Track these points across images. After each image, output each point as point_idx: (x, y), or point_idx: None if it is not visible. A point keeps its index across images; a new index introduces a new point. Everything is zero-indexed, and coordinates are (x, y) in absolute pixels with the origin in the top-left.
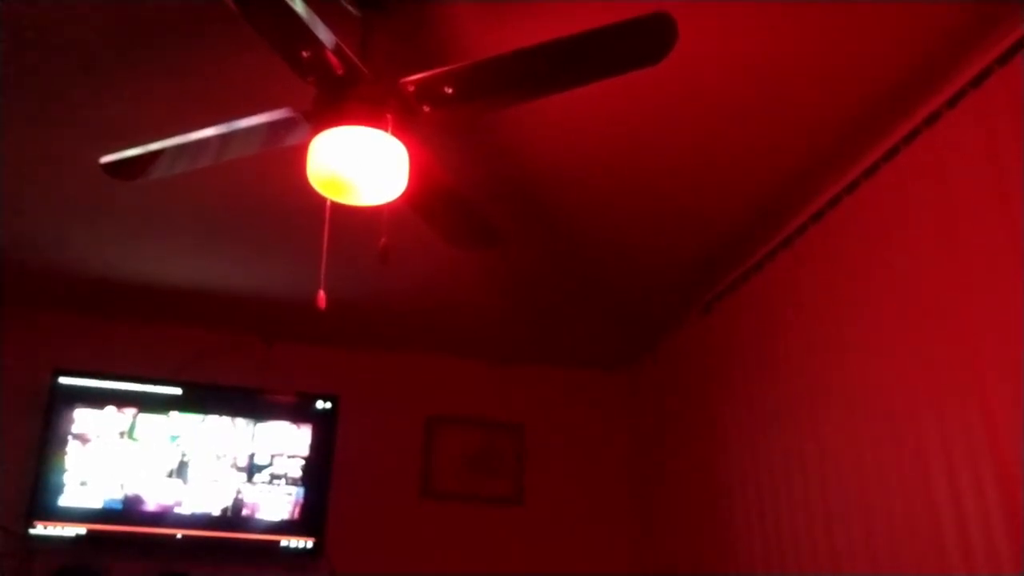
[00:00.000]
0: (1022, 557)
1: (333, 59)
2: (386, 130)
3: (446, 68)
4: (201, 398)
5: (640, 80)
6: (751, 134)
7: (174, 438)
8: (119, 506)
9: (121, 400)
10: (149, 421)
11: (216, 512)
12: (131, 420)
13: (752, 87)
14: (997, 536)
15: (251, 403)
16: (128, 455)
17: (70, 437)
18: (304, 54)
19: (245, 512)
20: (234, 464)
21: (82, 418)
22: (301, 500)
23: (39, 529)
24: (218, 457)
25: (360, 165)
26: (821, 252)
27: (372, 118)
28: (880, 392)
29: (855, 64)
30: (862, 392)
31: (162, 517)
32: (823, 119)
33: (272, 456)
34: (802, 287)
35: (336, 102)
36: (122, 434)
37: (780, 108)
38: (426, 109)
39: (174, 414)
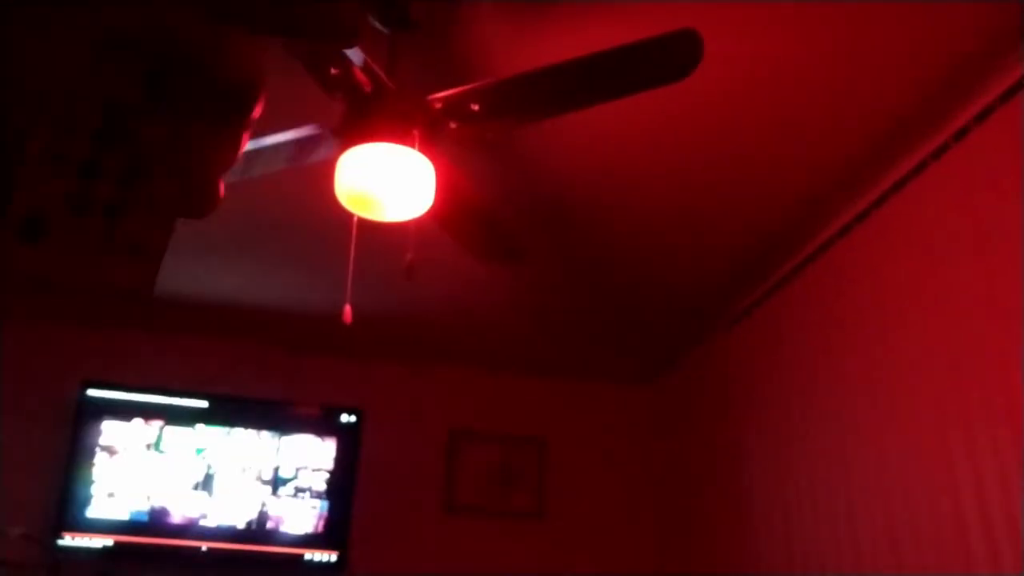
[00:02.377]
0: None
1: (361, 76)
2: (413, 146)
3: (472, 85)
4: (227, 411)
5: (663, 96)
6: (777, 151)
7: (200, 451)
8: (145, 518)
9: (148, 412)
10: (175, 433)
11: (241, 525)
12: (158, 432)
13: (775, 104)
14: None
15: (276, 416)
16: (154, 467)
17: (98, 449)
18: (332, 72)
19: (270, 525)
20: (259, 477)
21: (109, 430)
22: (325, 513)
23: (67, 540)
24: (243, 470)
25: (387, 181)
26: (845, 269)
27: (399, 135)
28: (905, 407)
29: (885, 77)
30: (887, 408)
31: (187, 529)
32: (848, 136)
33: (297, 469)
34: (826, 303)
35: (364, 119)
36: (149, 446)
37: (803, 125)
38: (453, 126)
39: (200, 426)
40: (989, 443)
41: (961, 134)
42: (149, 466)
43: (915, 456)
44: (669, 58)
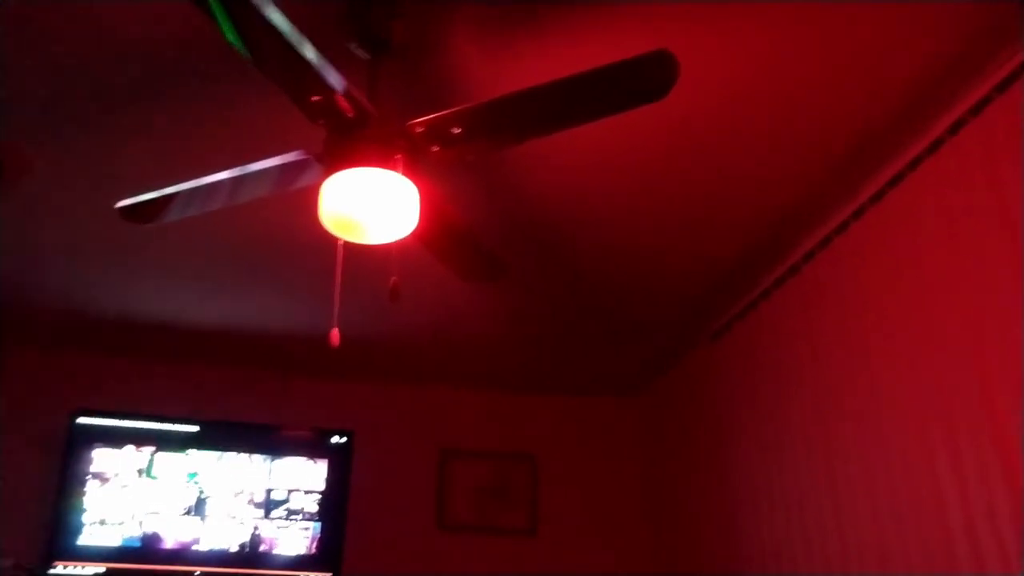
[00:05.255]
0: None
1: (343, 103)
2: (396, 170)
3: (454, 109)
4: (218, 435)
5: (643, 112)
6: (757, 162)
7: (192, 475)
8: (138, 544)
9: (139, 439)
10: (167, 459)
11: (234, 548)
12: (149, 458)
13: (756, 116)
14: (1008, 543)
15: (267, 439)
16: (146, 493)
17: (88, 476)
18: (315, 99)
19: (263, 548)
20: (251, 500)
21: (100, 457)
22: (318, 535)
23: (59, 569)
24: (235, 494)
25: (371, 205)
26: (828, 279)
27: (382, 159)
28: (890, 412)
29: (861, 91)
30: (872, 413)
31: (180, 555)
32: (828, 145)
33: (289, 492)
34: (809, 313)
35: (346, 144)
36: (140, 472)
37: (784, 137)
38: (435, 149)
39: (191, 451)
40: (971, 450)
41: (935, 146)
42: (141, 492)
43: (898, 463)
44: (645, 79)
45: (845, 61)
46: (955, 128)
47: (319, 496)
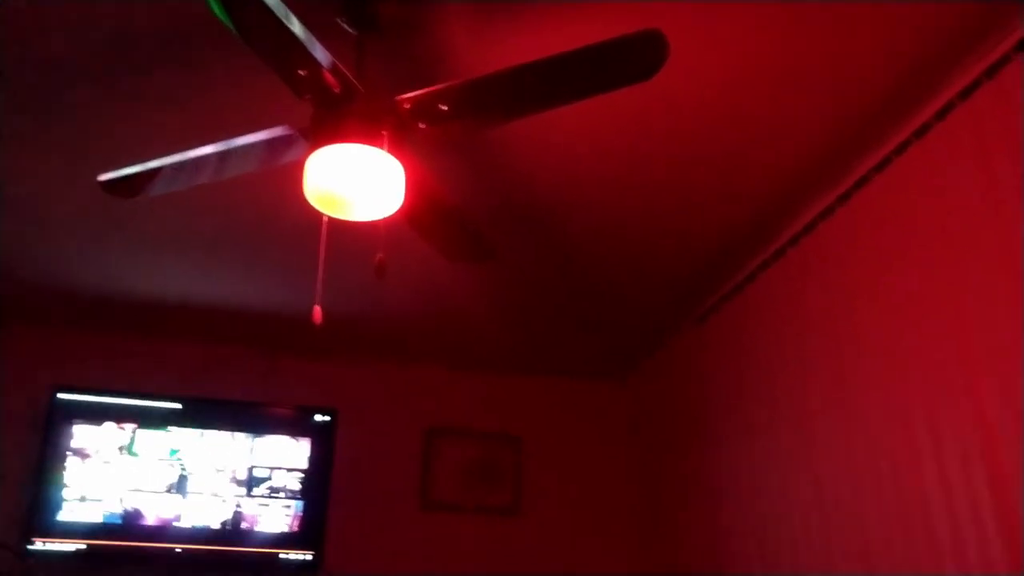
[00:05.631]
0: (1016, 557)
1: (329, 78)
2: (382, 147)
3: (441, 86)
4: (200, 413)
5: (632, 94)
6: (743, 145)
7: (173, 452)
8: (119, 521)
9: (120, 415)
10: (148, 436)
11: (215, 526)
12: (130, 435)
13: (744, 100)
14: (990, 537)
15: (250, 417)
16: (127, 470)
17: (69, 453)
18: (301, 73)
19: (244, 526)
20: (233, 478)
21: (81, 434)
22: (300, 513)
23: (38, 545)
24: (217, 471)
25: (356, 181)
26: (814, 262)
27: (368, 135)
28: (872, 398)
29: (846, 75)
30: (854, 398)
31: (162, 532)
32: (815, 131)
33: (271, 470)
34: (795, 297)
35: (332, 120)
36: (121, 449)
37: (771, 120)
38: (422, 126)
39: (173, 429)
40: (953, 431)
41: (922, 131)
42: (122, 469)
43: (882, 445)
44: (634, 58)
45: (833, 46)
46: (943, 113)
47: (301, 474)
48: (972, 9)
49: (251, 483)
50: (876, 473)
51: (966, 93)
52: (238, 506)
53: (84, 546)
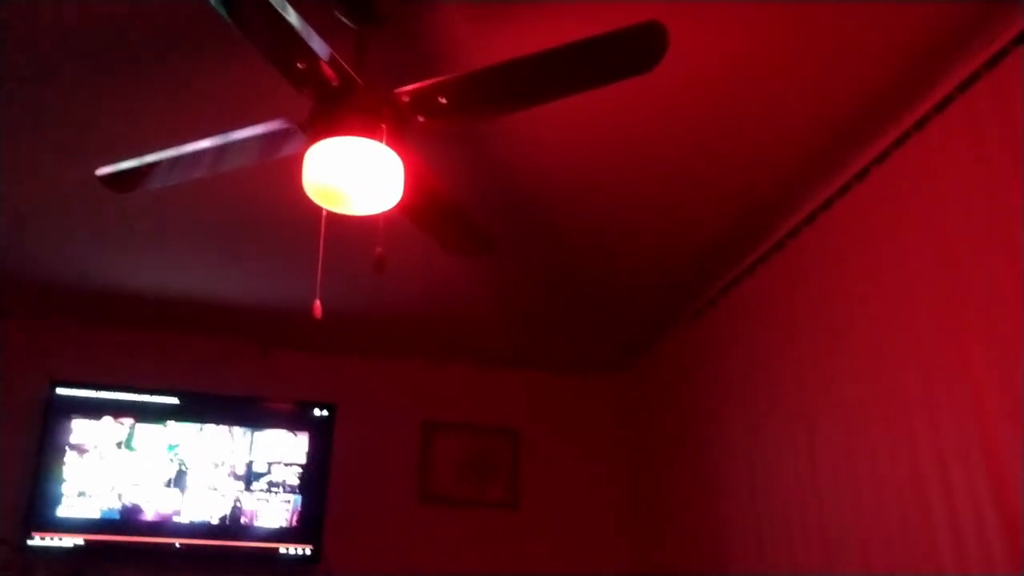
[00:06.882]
0: (1016, 557)
1: (328, 71)
2: (381, 140)
3: (440, 79)
4: (199, 407)
5: (630, 88)
6: (742, 139)
7: (172, 447)
8: (117, 516)
9: (118, 410)
10: (147, 431)
11: (214, 521)
12: (128, 430)
13: (742, 93)
14: (991, 538)
15: (249, 412)
16: (126, 465)
17: (67, 448)
18: (299, 66)
19: (243, 520)
20: (232, 473)
21: (79, 429)
22: (299, 507)
23: (37, 540)
24: (216, 466)
25: (355, 175)
26: (812, 256)
27: (367, 128)
28: (873, 394)
29: (845, 69)
30: (854, 394)
31: (160, 526)
32: (814, 124)
33: (270, 464)
34: (794, 291)
35: (331, 113)
36: (120, 444)
37: (770, 114)
38: (420, 119)
39: (172, 423)
40: (954, 429)
41: (921, 124)
42: (120, 464)
43: (883, 441)
44: (634, 50)
45: (832, 40)
46: (941, 106)
47: (300, 469)
48: (971, 2)
49: (250, 478)
50: (876, 469)
51: (965, 86)
52: (237, 501)
53: (83, 541)
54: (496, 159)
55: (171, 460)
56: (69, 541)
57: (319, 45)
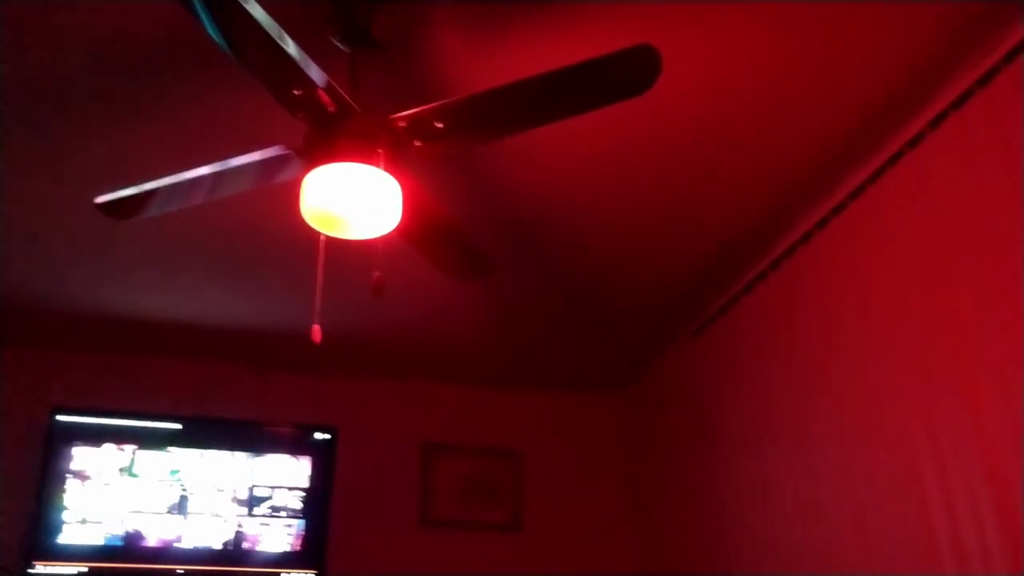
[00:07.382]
0: (1016, 557)
1: (324, 97)
2: (378, 165)
3: (436, 103)
4: (200, 432)
5: (625, 109)
6: (737, 160)
7: (174, 473)
8: (120, 543)
9: (120, 437)
10: (148, 457)
11: (217, 546)
12: (130, 456)
13: (736, 113)
14: (990, 541)
15: (250, 436)
16: (128, 491)
17: (69, 475)
18: (296, 92)
19: (246, 545)
20: (234, 498)
21: (81, 456)
22: (302, 532)
23: (39, 569)
24: (218, 491)
25: (353, 200)
26: (809, 274)
27: (364, 154)
28: (870, 407)
29: (839, 86)
30: (852, 408)
31: (163, 553)
32: (809, 142)
33: (272, 488)
34: (792, 308)
35: (328, 139)
36: (121, 470)
37: (765, 133)
38: (417, 144)
39: (173, 449)
40: (951, 439)
41: (915, 141)
42: (123, 490)
43: (880, 454)
44: (628, 73)
45: (825, 57)
46: (936, 122)
47: (303, 493)
48: (964, 18)
49: (252, 502)
50: (874, 481)
51: (958, 103)
52: (240, 526)
53: (86, 569)
54: (494, 182)
55: (173, 486)
56: (72, 569)
57: (316, 72)
